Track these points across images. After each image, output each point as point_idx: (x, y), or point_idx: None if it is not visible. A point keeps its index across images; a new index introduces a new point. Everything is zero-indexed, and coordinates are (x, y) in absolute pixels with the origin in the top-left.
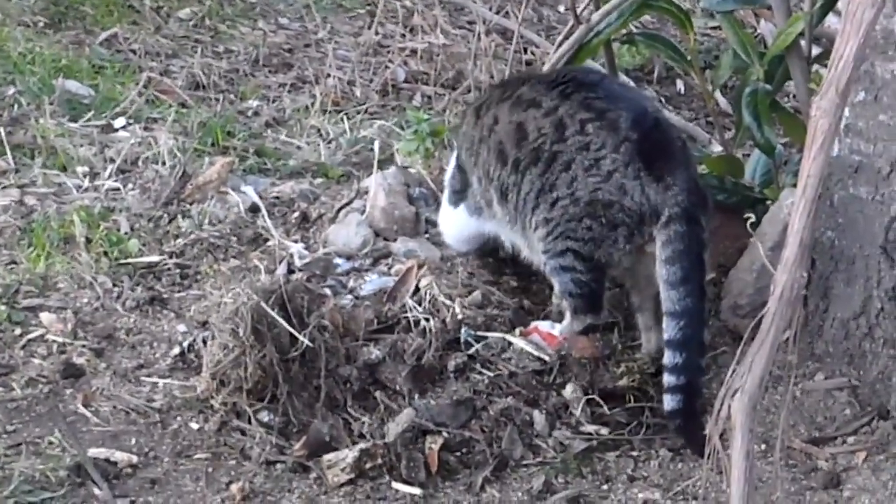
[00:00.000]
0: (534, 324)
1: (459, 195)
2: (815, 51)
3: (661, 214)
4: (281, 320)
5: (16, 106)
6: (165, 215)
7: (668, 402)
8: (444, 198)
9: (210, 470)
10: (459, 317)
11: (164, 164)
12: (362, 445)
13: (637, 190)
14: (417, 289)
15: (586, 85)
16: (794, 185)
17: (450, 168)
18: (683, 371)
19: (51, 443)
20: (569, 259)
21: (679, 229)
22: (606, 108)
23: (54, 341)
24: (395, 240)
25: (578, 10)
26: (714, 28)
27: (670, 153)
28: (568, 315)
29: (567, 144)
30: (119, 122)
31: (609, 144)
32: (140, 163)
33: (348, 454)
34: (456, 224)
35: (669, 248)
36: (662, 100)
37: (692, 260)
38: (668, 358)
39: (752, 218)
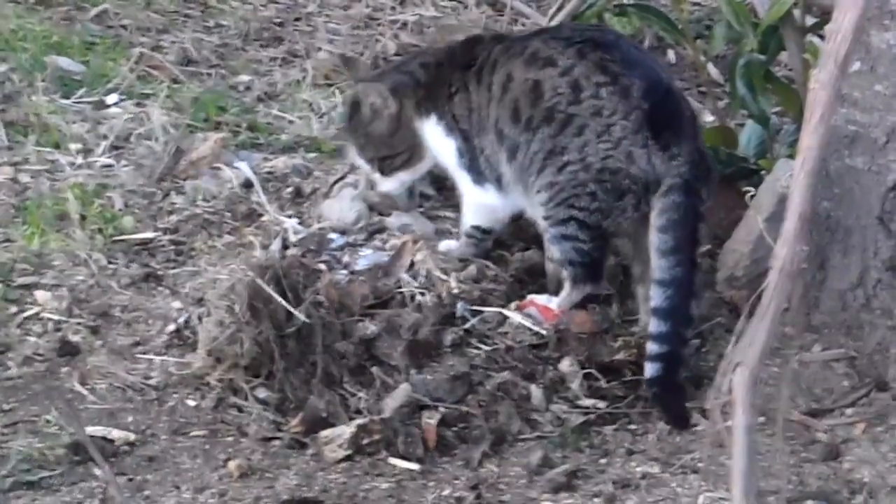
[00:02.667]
0: (530, 297)
1: (479, 172)
2: (810, 21)
3: (662, 183)
4: (276, 296)
5: (7, 83)
6: (159, 192)
7: (649, 369)
8: (466, 183)
9: (207, 447)
10: (455, 291)
11: (157, 140)
12: (359, 421)
13: (644, 158)
14: (412, 263)
15: (603, 45)
16: (789, 156)
17: (451, 153)
18: (667, 340)
19: (48, 421)
20: (572, 228)
21: (677, 199)
22: (621, 73)
23: (50, 319)
24: (389, 214)
25: None
26: None
27: (679, 124)
28: (567, 285)
29: (582, 107)
30: (111, 98)
31: (620, 111)
32: (133, 139)
33: (345, 430)
34: (488, 205)
35: (664, 217)
36: None
37: (686, 231)
38: (653, 326)
39: (752, 191)
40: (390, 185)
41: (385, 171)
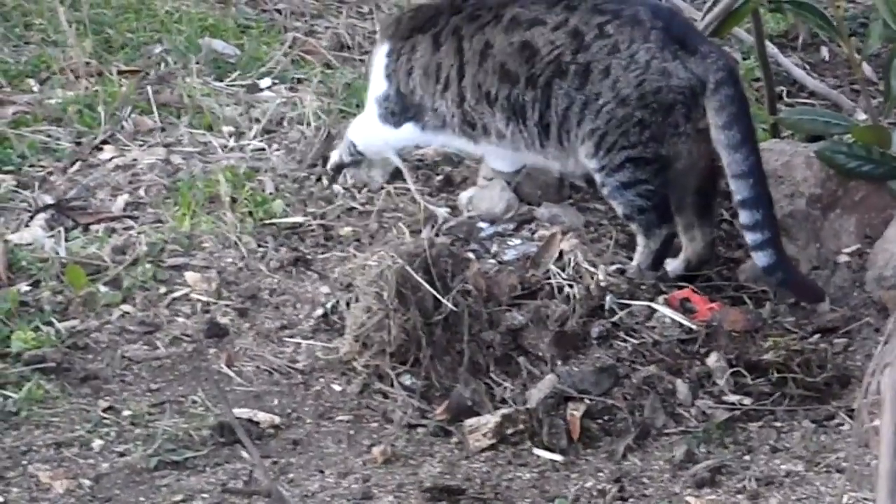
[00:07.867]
0: (689, 287)
1: (400, 116)
2: None
3: (706, 82)
4: (425, 284)
5: (162, 64)
6: (310, 176)
7: (761, 258)
8: (372, 115)
9: (352, 432)
10: (603, 284)
11: (309, 124)
12: (504, 411)
13: (680, 68)
14: (561, 255)
15: None
16: None
17: (377, 89)
18: (765, 226)
19: (194, 402)
20: (629, 171)
21: (729, 92)
22: (619, 8)
23: (198, 300)
24: (538, 205)
25: None
26: None
27: (695, 31)
28: (640, 239)
29: (593, 52)
30: (264, 82)
31: (638, 37)
32: (285, 123)
33: (490, 419)
34: (385, 137)
35: (725, 113)
36: (807, 66)
37: (748, 120)
38: (746, 217)
39: None
40: None
41: None
